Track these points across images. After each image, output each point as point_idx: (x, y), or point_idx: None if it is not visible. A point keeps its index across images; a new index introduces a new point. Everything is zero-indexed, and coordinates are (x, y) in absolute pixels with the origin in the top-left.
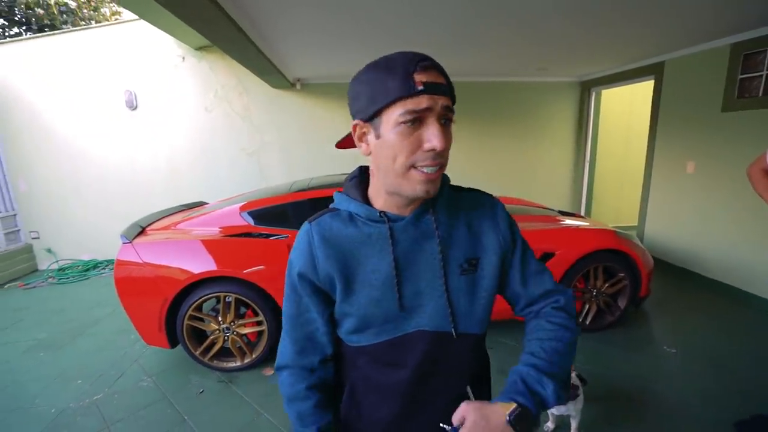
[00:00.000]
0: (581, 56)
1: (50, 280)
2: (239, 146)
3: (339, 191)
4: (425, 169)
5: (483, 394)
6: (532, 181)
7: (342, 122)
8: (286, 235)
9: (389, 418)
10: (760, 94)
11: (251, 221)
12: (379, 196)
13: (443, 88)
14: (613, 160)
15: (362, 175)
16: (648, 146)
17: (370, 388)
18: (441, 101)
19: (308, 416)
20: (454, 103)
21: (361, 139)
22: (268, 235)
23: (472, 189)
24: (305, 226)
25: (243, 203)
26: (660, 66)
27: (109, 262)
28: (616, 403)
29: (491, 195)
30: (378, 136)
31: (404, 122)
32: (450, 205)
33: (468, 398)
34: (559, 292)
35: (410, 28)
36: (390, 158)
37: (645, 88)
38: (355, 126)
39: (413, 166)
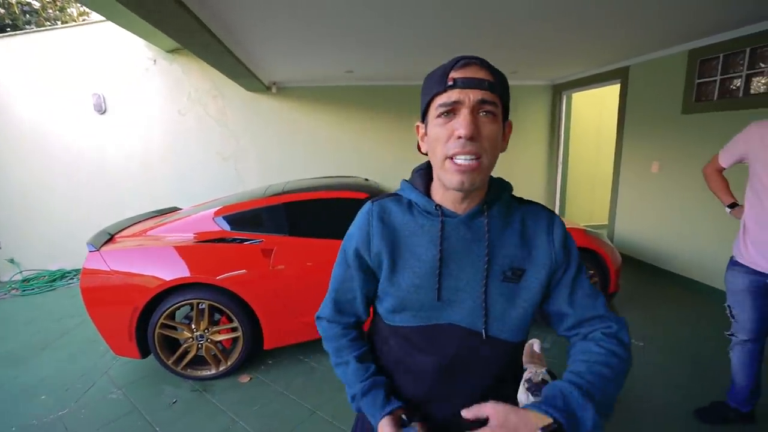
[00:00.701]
0: (552, 60)
1: (13, 291)
2: (214, 150)
3: (405, 180)
4: (457, 159)
5: (507, 398)
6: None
7: (319, 125)
8: (261, 239)
9: (412, 398)
10: (715, 98)
11: (225, 226)
12: (438, 190)
13: (480, 82)
14: (585, 162)
15: (429, 167)
16: (616, 147)
17: (398, 367)
18: (474, 94)
19: (345, 348)
20: (503, 98)
21: (422, 139)
22: (242, 240)
23: (533, 202)
24: (367, 205)
25: (217, 208)
26: (625, 70)
27: (78, 271)
28: None
29: (553, 212)
30: (427, 133)
31: (439, 115)
32: (506, 212)
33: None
34: (611, 319)
35: (382, 34)
36: (433, 151)
37: (613, 92)
38: (417, 127)
39: (449, 157)
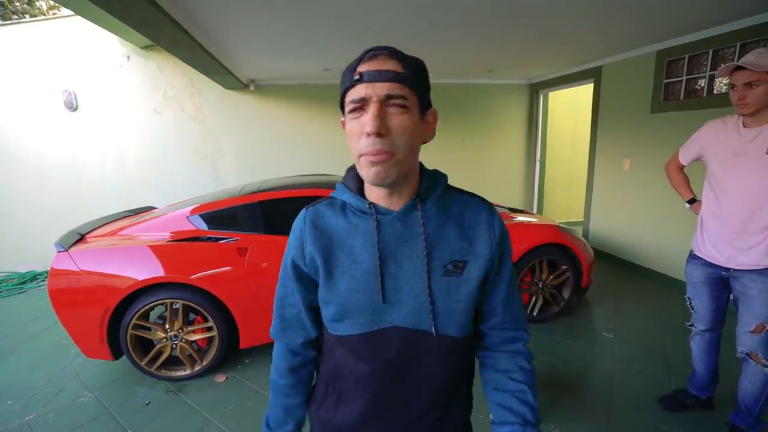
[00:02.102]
0: (528, 60)
1: None
2: (192, 149)
3: (341, 181)
4: (370, 156)
5: (461, 400)
6: (486, 181)
7: (297, 123)
8: (236, 238)
9: (362, 411)
10: (681, 98)
11: (200, 225)
12: (370, 188)
13: (388, 74)
14: (561, 160)
15: None
16: (590, 145)
17: (345, 379)
18: (380, 87)
19: (281, 393)
20: (416, 88)
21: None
22: (217, 239)
23: (472, 193)
24: (303, 211)
25: (192, 207)
26: (598, 70)
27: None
28: (557, 387)
29: (492, 204)
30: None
31: (351, 111)
32: (442, 204)
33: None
34: (523, 329)
35: (357, 32)
36: (350, 148)
37: (588, 91)
38: (342, 123)
39: (362, 154)
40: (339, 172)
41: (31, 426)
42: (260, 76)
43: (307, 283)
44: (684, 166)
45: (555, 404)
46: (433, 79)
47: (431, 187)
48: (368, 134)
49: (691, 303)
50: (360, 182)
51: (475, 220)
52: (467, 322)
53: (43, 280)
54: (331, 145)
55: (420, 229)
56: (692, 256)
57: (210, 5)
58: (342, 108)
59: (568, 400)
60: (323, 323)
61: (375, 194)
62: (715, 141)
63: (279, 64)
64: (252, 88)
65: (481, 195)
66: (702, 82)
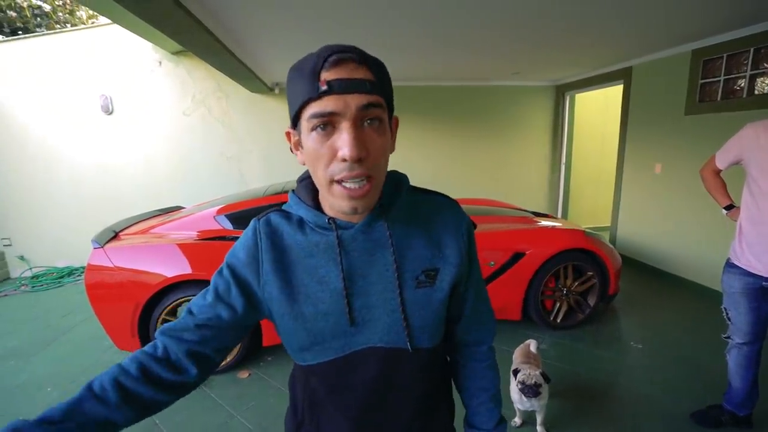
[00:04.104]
0: (555, 61)
1: (23, 288)
2: (218, 150)
3: (292, 191)
4: (346, 184)
5: (443, 406)
6: (509, 184)
7: None
8: None
9: None
10: (719, 99)
11: (227, 224)
12: (328, 200)
13: (360, 84)
14: (588, 163)
15: None
16: (619, 149)
17: (325, 407)
18: (355, 101)
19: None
20: (387, 98)
21: (296, 148)
22: None
23: (432, 192)
24: (253, 223)
25: (218, 207)
26: (628, 71)
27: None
28: (581, 397)
29: (455, 201)
30: (302, 145)
31: (314, 129)
32: (407, 211)
33: None
34: (490, 332)
35: (383, 31)
36: (314, 170)
37: (617, 92)
38: (288, 134)
39: (334, 180)
40: None
41: None
42: (284, 79)
43: (237, 314)
44: (721, 171)
45: (578, 414)
46: (456, 83)
47: (394, 192)
48: (345, 159)
49: (727, 314)
50: (315, 193)
51: (442, 222)
52: (440, 330)
53: (80, 275)
54: None
55: (387, 241)
56: (730, 265)
57: (241, 13)
58: (293, 120)
59: (593, 411)
60: (290, 355)
61: (335, 208)
62: (756, 144)
63: None
64: (276, 91)
65: (502, 200)
66: (742, 82)
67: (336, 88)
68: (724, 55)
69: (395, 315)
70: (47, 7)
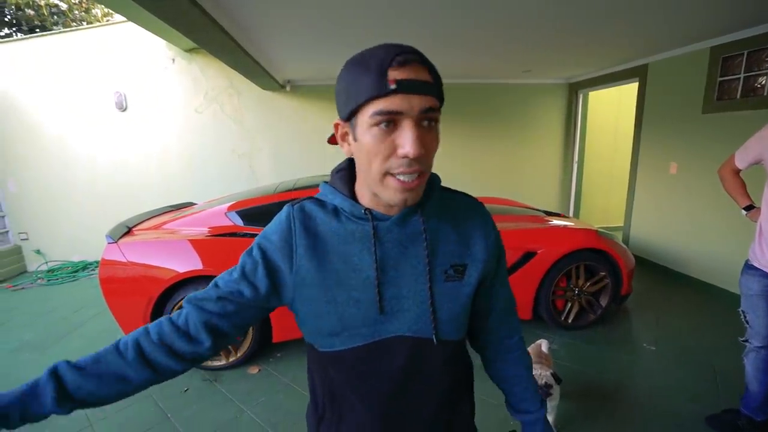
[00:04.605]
0: (567, 59)
1: (39, 281)
2: (230, 147)
3: (325, 182)
4: (401, 177)
5: (464, 403)
6: (521, 182)
7: (331, 123)
8: None
9: (368, 429)
10: (738, 97)
11: (238, 221)
12: (365, 192)
13: (424, 86)
14: (601, 161)
15: (351, 167)
16: (633, 147)
17: (346, 399)
18: (419, 102)
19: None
20: (441, 101)
21: (343, 139)
22: (253, 235)
23: (462, 193)
24: (287, 208)
25: (230, 203)
26: (644, 68)
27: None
28: (592, 399)
29: (481, 202)
30: (355, 138)
31: (376, 124)
32: (440, 208)
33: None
34: (517, 329)
35: (395, 29)
36: (366, 163)
37: (632, 90)
38: (336, 125)
39: (389, 173)
40: None
41: None
42: (296, 76)
43: (263, 293)
44: (740, 170)
45: (590, 416)
46: (467, 80)
47: (430, 189)
48: (407, 156)
49: (745, 317)
50: (351, 185)
51: (470, 221)
52: (465, 323)
53: (94, 269)
54: None
55: (421, 235)
56: (749, 267)
57: (256, 12)
58: (349, 114)
59: (604, 413)
60: (312, 343)
61: (370, 200)
62: None
63: (315, 64)
64: (288, 88)
65: (513, 198)
66: (763, 80)
67: (404, 87)
68: (745, 52)
69: (424, 306)
70: (64, 6)
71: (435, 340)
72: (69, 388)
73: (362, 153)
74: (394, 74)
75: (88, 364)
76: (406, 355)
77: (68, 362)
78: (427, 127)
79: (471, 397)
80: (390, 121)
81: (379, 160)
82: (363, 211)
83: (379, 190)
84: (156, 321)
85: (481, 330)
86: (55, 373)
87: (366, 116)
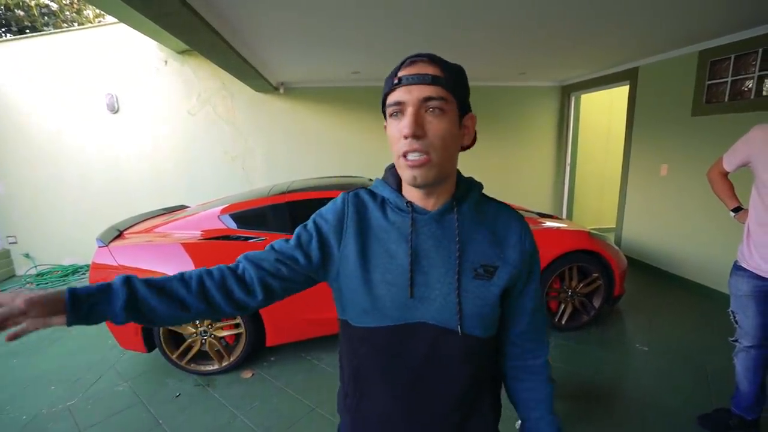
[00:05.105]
0: (560, 61)
1: (28, 285)
2: (223, 150)
3: (378, 178)
4: (408, 156)
5: (486, 405)
6: (514, 184)
7: (325, 125)
8: (264, 237)
9: (385, 409)
10: (726, 100)
11: (231, 224)
12: (407, 187)
13: (425, 78)
14: (593, 164)
15: None
16: (624, 150)
17: (369, 378)
18: (417, 91)
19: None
20: (455, 92)
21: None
22: (246, 238)
23: (506, 204)
24: (343, 195)
25: (223, 207)
26: (634, 71)
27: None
28: (586, 399)
29: (523, 217)
30: (386, 130)
31: (391, 115)
32: (476, 210)
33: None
34: (545, 344)
35: (388, 35)
36: (391, 149)
37: (623, 93)
38: (385, 127)
39: (401, 155)
40: (367, 173)
41: (72, 411)
42: (290, 79)
43: (312, 262)
44: (728, 173)
45: (583, 417)
46: None
47: (467, 192)
48: (405, 136)
49: (735, 317)
50: (399, 180)
51: (507, 229)
52: (492, 323)
53: (85, 273)
54: (359, 146)
55: (454, 231)
56: (737, 268)
57: (247, 13)
58: (384, 113)
59: (598, 413)
60: (346, 319)
61: (412, 194)
62: (764, 146)
63: (308, 66)
64: (282, 90)
65: (507, 200)
66: (750, 83)
67: (404, 81)
68: (732, 56)
69: (450, 298)
70: (54, 6)
71: (460, 332)
72: (138, 298)
73: (389, 140)
74: (402, 73)
75: (157, 283)
76: (429, 343)
77: (139, 278)
78: (431, 115)
79: (496, 402)
80: (398, 111)
81: (394, 144)
82: (406, 203)
83: (400, 171)
84: (216, 266)
85: (505, 341)
86: (128, 283)
87: (387, 110)
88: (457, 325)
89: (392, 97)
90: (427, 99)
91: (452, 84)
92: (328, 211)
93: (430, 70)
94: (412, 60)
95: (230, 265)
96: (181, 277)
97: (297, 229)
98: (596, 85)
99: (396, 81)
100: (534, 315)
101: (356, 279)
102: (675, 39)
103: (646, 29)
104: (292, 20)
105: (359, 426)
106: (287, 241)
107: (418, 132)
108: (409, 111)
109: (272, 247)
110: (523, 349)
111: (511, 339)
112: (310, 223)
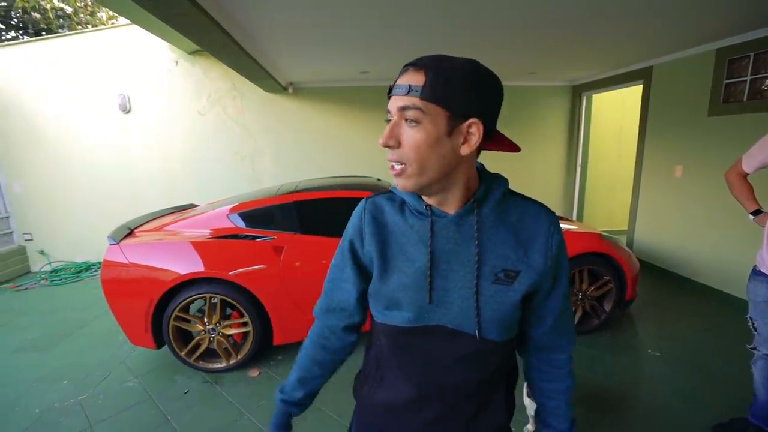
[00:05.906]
0: (571, 61)
1: (43, 281)
2: (233, 150)
3: None
4: (391, 164)
5: (500, 402)
6: (524, 185)
7: (334, 125)
8: (272, 236)
9: (400, 398)
10: (745, 99)
11: (240, 223)
12: None
13: (402, 88)
14: (605, 164)
15: None
16: (637, 150)
17: (389, 368)
18: (395, 102)
19: (302, 365)
20: (436, 100)
21: None
22: (254, 237)
23: (533, 200)
24: (363, 201)
25: (231, 206)
26: (648, 71)
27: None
28: (596, 405)
29: (553, 213)
30: None
31: (386, 122)
32: (499, 210)
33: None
34: (567, 347)
35: (396, 35)
36: None
37: (636, 93)
38: None
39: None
40: (375, 173)
41: (83, 406)
42: (299, 79)
43: (361, 271)
44: (748, 174)
45: (593, 423)
46: None
47: (489, 192)
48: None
49: (753, 324)
50: None
51: (533, 229)
52: (511, 327)
53: (96, 270)
54: (367, 146)
55: (474, 235)
56: (756, 273)
57: (257, 14)
58: None
59: (608, 420)
60: (373, 312)
61: (431, 197)
62: None
63: (317, 67)
64: (291, 90)
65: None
66: None
67: (392, 91)
68: (751, 54)
69: (468, 302)
70: (69, 9)
71: (477, 336)
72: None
73: None
74: (395, 82)
75: (312, 392)
76: (446, 344)
77: (299, 398)
78: (407, 125)
79: (510, 400)
80: (389, 120)
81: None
82: (425, 206)
83: None
84: (314, 341)
85: (530, 339)
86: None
87: None
88: (475, 330)
89: (387, 106)
90: (403, 109)
91: (438, 92)
92: (349, 225)
93: (413, 79)
94: (404, 68)
95: (334, 323)
96: (321, 373)
97: (339, 245)
98: (608, 85)
99: (389, 91)
100: (561, 315)
101: (377, 280)
102: (691, 37)
103: (660, 28)
104: (302, 21)
105: (371, 413)
106: (338, 276)
107: (390, 143)
108: (391, 121)
109: (335, 288)
110: (548, 345)
111: (537, 336)
112: (344, 234)
